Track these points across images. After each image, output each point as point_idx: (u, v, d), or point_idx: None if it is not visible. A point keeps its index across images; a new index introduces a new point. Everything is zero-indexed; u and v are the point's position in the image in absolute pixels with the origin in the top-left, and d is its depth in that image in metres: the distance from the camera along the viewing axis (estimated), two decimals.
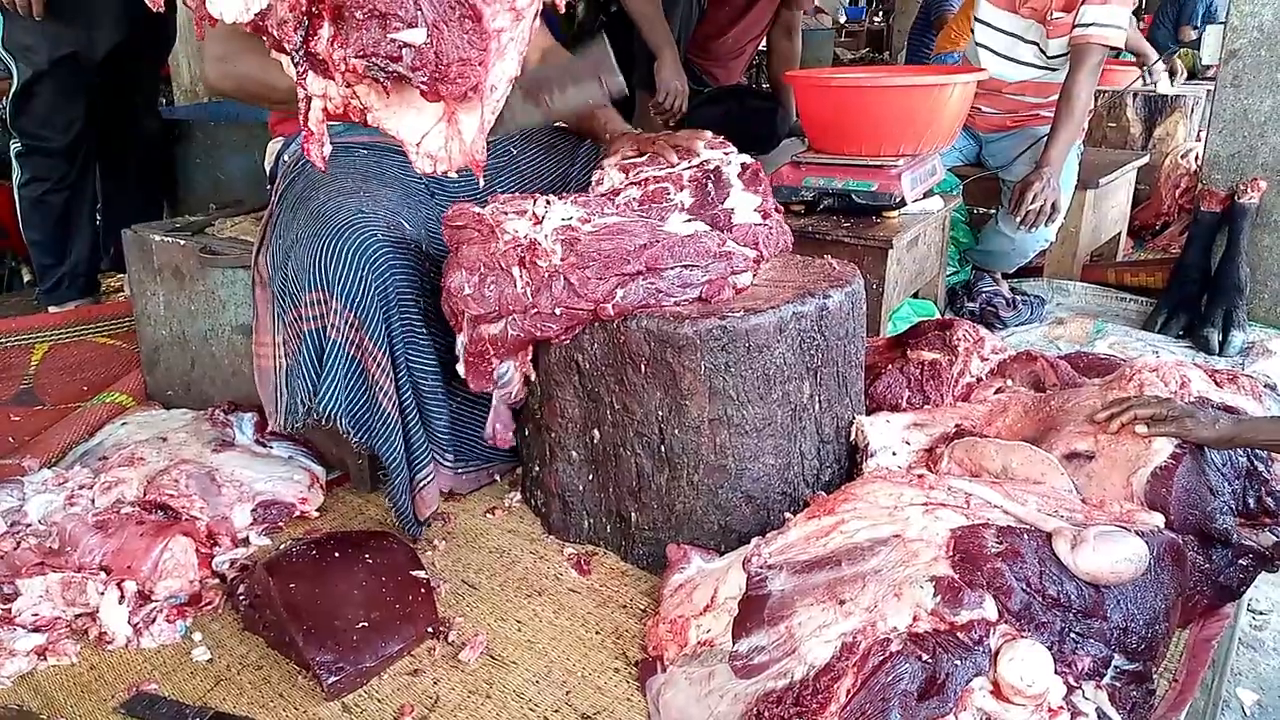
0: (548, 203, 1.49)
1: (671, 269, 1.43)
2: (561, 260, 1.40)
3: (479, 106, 0.98)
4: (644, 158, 1.71)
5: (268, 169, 1.97)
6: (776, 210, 1.72)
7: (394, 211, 1.64)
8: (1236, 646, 1.73)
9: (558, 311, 1.42)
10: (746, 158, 1.70)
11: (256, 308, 1.73)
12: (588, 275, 1.40)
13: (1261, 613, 2.04)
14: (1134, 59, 4.33)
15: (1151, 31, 5.46)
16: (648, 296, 1.44)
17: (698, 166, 1.67)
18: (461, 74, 0.93)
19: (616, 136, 1.78)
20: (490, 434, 1.64)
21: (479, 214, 1.48)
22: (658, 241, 1.44)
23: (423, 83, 0.92)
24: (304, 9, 0.90)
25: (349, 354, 1.55)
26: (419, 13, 0.89)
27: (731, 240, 1.55)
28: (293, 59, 0.94)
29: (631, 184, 1.66)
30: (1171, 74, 4.33)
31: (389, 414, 1.55)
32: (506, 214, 1.47)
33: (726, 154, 1.72)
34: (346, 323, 1.53)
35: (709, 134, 1.78)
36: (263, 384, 1.71)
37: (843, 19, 9.89)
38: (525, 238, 1.43)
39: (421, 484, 1.61)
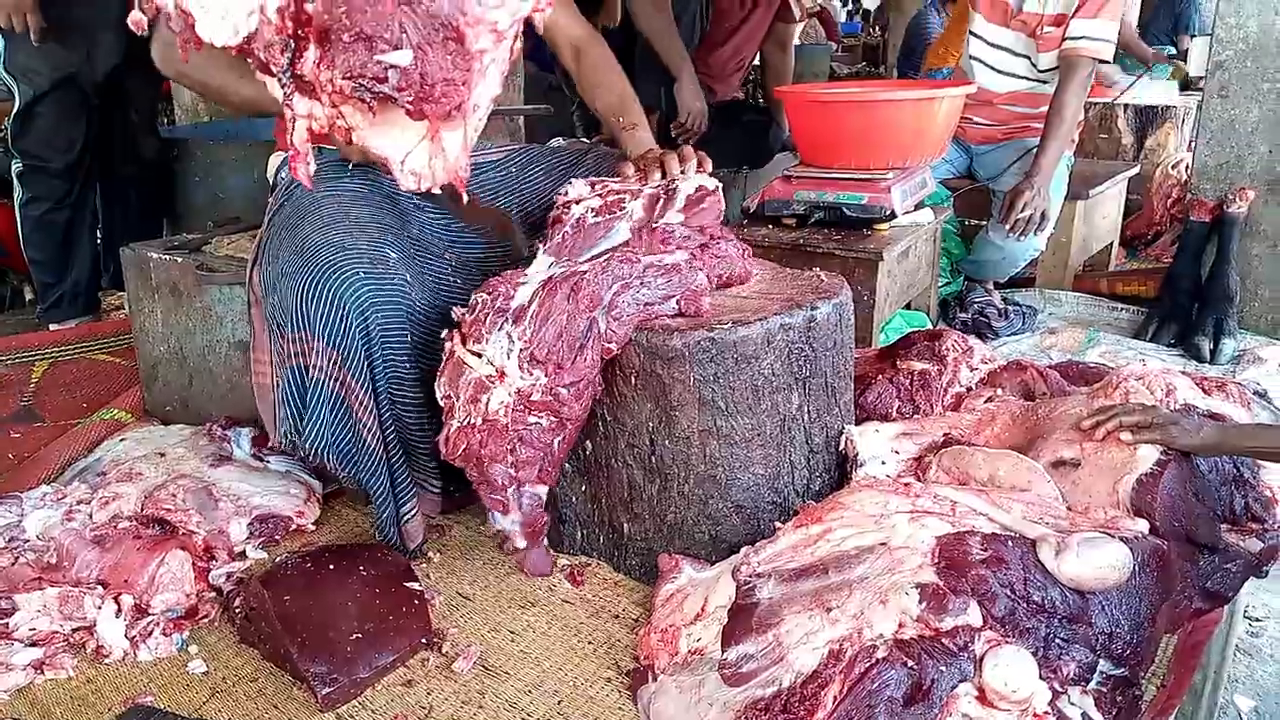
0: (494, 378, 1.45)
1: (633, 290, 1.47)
2: (539, 399, 1.43)
3: (462, 124, 1.01)
4: (616, 177, 1.72)
5: (270, 180, 2.00)
6: (712, 233, 1.65)
7: (378, 241, 1.63)
8: (1233, 653, 1.74)
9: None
10: (708, 182, 1.68)
11: (253, 325, 1.74)
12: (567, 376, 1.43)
13: (1258, 619, 2.05)
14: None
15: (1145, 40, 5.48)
16: (639, 311, 1.46)
17: (660, 186, 1.68)
18: (446, 94, 0.95)
19: (630, 159, 1.77)
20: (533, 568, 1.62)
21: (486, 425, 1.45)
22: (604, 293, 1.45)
23: (408, 103, 0.95)
24: (290, 32, 0.93)
25: (333, 390, 1.55)
26: (404, 35, 0.92)
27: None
28: (279, 81, 0.97)
29: (595, 195, 1.67)
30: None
31: (375, 450, 1.56)
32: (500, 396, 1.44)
33: (699, 176, 1.72)
34: (330, 361, 1.53)
35: (706, 161, 1.75)
36: (262, 400, 1.73)
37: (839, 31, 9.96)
38: (508, 401, 1.43)
39: (406, 517, 1.62)
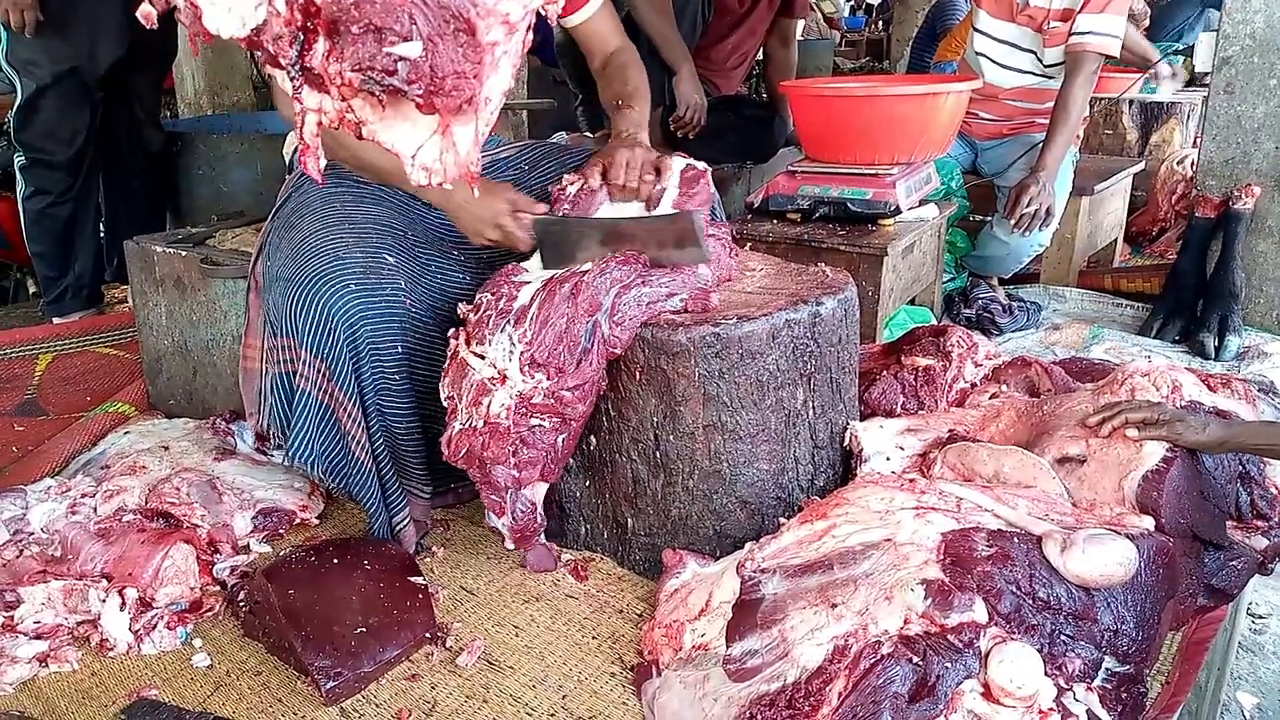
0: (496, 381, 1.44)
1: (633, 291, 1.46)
2: (540, 401, 1.42)
3: (473, 118, 1.00)
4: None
5: (286, 161, 1.99)
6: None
7: (375, 246, 1.61)
8: (1236, 650, 1.73)
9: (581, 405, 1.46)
10: (694, 165, 1.67)
11: (249, 311, 1.74)
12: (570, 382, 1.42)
13: (1261, 617, 2.05)
14: (1134, 64, 4.31)
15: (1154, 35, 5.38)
16: (642, 311, 1.46)
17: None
18: (457, 87, 0.94)
19: (605, 150, 1.73)
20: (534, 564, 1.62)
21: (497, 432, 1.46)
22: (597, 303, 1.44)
23: (418, 96, 0.94)
24: (299, 24, 0.92)
25: (320, 401, 1.55)
26: (414, 27, 0.91)
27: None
28: (289, 74, 0.96)
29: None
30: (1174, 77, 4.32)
31: (363, 462, 1.56)
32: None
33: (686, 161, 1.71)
34: (317, 372, 1.53)
35: (679, 163, 1.71)
36: (247, 385, 1.72)
37: (843, 25, 9.94)
38: (509, 404, 1.43)
39: (399, 526, 1.62)
